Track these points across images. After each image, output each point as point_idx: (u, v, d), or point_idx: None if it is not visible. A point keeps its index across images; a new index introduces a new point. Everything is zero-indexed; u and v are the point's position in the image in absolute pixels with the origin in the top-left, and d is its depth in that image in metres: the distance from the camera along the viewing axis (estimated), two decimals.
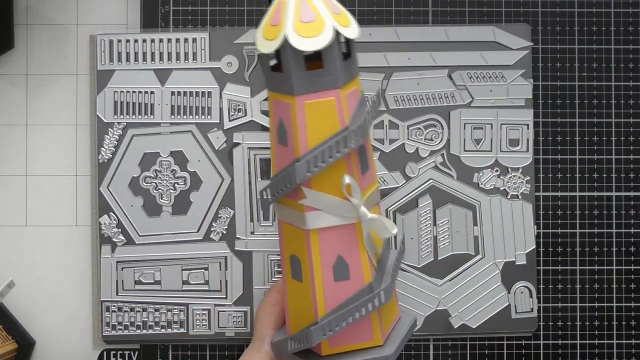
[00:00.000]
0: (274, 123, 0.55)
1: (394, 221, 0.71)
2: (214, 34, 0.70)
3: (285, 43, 0.51)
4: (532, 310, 0.71)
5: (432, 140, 0.71)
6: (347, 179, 0.53)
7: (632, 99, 0.72)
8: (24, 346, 0.70)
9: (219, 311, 0.70)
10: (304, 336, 0.55)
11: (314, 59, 0.52)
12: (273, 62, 0.54)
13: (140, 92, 0.70)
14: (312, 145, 0.53)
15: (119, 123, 0.70)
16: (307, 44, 0.51)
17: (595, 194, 0.72)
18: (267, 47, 0.52)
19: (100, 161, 0.70)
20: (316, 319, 0.55)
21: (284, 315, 0.60)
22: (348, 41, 0.54)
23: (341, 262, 0.55)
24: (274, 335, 0.60)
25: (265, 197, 0.56)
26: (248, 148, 0.70)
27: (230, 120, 0.70)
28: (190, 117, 0.70)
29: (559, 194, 0.72)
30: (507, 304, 0.71)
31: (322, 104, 0.52)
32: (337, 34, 0.52)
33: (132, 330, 0.70)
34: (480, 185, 0.71)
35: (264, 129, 0.70)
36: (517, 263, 0.71)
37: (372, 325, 0.56)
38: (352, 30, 0.53)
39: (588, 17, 0.72)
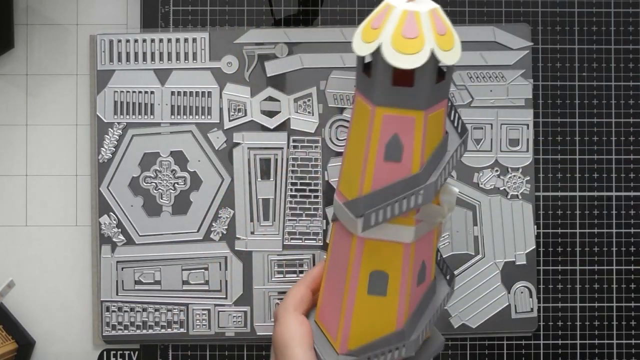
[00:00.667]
0: (380, 139, 0.52)
1: None
2: (214, 34, 0.70)
3: (378, 53, 0.49)
4: (532, 310, 0.71)
5: None
6: (455, 189, 0.53)
7: (632, 99, 0.72)
8: (24, 346, 0.70)
9: (219, 311, 0.70)
10: (396, 350, 0.56)
11: (407, 71, 0.50)
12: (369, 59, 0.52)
13: (140, 92, 0.70)
14: (426, 159, 0.51)
15: (119, 123, 0.70)
16: (401, 61, 0.48)
17: (595, 194, 0.72)
18: (361, 49, 0.50)
19: (100, 161, 0.70)
20: (400, 327, 0.55)
21: (307, 309, 0.61)
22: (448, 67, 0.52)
23: (423, 267, 0.56)
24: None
25: (371, 220, 0.52)
26: (248, 148, 0.70)
27: (230, 120, 0.70)
28: (190, 117, 0.70)
29: (559, 194, 0.72)
30: (507, 304, 0.71)
31: (437, 117, 0.51)
32: (434, 56, 0.49)
33: (132, 330, 0.70)
34: (480, 185, 0.71)
35: (264, 129, 0.70)
36: (517, 263, 0.71)
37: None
38: (452, 55, 0.51)
39: (588, 17, 0.72)
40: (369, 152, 0.51)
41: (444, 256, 0.71)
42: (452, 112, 0.56)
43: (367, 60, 0.52)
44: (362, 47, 0.50)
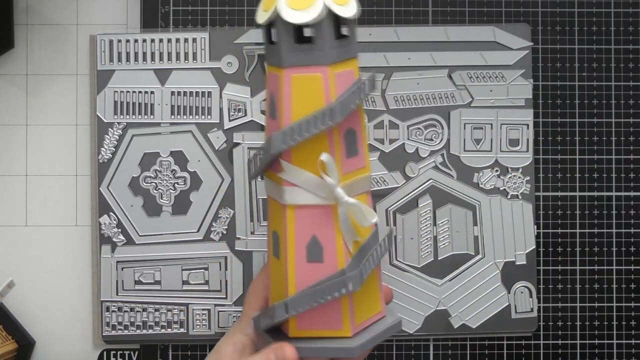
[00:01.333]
0: (267, 97, 0.56)
1: (394, 221, 0.71)
2: (214, 34, 0.70)
3: (277, 14, 0.52)
4: (532, 310, 0.71)
5: (432, 140, 0.71)
6: (324, 157, 0.53)
7: (632, 99, 0.72)
8: (24, 346, 0.70)
9: (219, 311, 0.70)
10: (269, 312, 0.55)
11: (302, 29, 0.54)
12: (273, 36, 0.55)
13: (140, 92, 0.70)
14: (296, 118, 0.53)
15: (119, 123, 0.70)
16: (296, 17, 0.52)
17: (595, 194, 0.72)
18: (262, 17, 0.54)
19: (100, 161, 0.70)
20: (286, 296, 0.55)
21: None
22: (347, 21, 0.55)
23: (315, 243, 0.54)
24: (257, 314, 0.60)
25: (251, 168, 0.57)
26: (248, 148, 0.70)
27: (230, 120, 0.70)
28: (190, 117, 0.70)
29: (559, 194, 0.72)
30: (507, 304, 0.71)
31: (308, 79, 0.53)
32: (330, 11, 0.52)
33: (132, 330, 0.70)
34: (480, 185, 0.71)
35: (264, 129, 0.70)
36: (517, 263, 0.71)
37: (342, 315, 0.56)
38: (348, 9, 0.54)
39: (588, 17, 0.72)
40: (280, 114, 0.54)
41: (444, 256, 0.71)
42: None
43: (273, 37, 0.55)
44: (262, 15, 0.54)
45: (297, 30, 0.54)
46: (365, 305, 0.57)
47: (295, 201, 0.54)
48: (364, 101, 0.59)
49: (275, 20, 0.53)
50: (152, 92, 0.70)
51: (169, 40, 0.70)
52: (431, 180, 0.71)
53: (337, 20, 0.54)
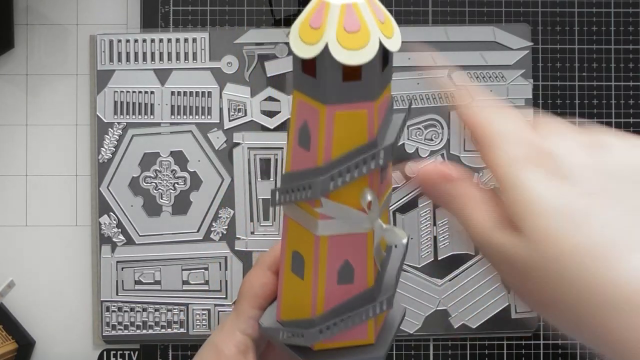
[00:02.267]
0: (296, 122, 0.52)
1: (394, 221, 0.71)
2: (214, 34, 0.70)
3: (326, 52, 0.47)
4: (532, 310, 0.71)
5: (432, 140, 0.71)
6: (369, 196, 0.50)
7: (632, 99, 0.72)
8: (24, 346, 0.70)
9: (219, 311, 0.70)
10: (299, 334, 0.55)
11: (351, 67, 0.49)
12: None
13: (140, 92, 0.70)
14: (336, 155, 0.50)
15: (119, 123, 0.70)
16: (350, 57, 0.47)
17: None
18: (305, 52, 0.48)
19: (100, 161, 0.70)
20: (313, 315, 0.54)
21: (271, 297, 0.59)
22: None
23: (347, 267, 0.54)
24: (262, 317, 0.59)
25: (276, 199, 0.53)
26: (248, 148, 0.70)
27: (230, 120, 0.70)
28: (190, 117, 0.70)
29: None
30: (507, 304, 0.71)
31: (354, 116, 0.49)
32: (381, 45, 0.48)
33: (132, 330, 0.70)
34: (481, 186, 0.71)
35: (264, 129, 0.70)
36: None
37: (368, 326, 0.56)
38: (395, 41, 0.49)
39: (588, 17, 0.72)
40: (318, 149, 0.51)
41: (444, 256, 0.71)
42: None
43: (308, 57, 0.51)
44: (305, 49, 0.48)
45: (345, 67, 0.49)
46: None
47: (330, 232, 0.52)
48: None
49: (321, 57, 0.48)
50: (152, 92, 0.70)
51: (169, 40, 0.70)
52: None
53: (385, 53, 0.51)
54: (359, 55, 0.47)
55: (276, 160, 0.70)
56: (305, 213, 0.53)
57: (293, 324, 0.55)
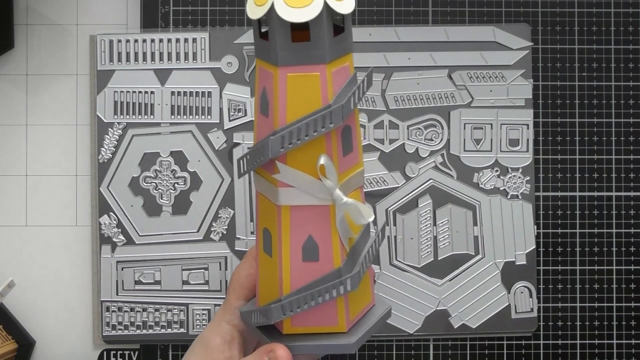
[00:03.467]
0: (258, 91, 0.54)
1: (394, 221, 0.71)
2: (214, 34, 0.70)
3: (272, 11, 0.49)
4: (532, 310, 0.71)
5: (432, 140, 0.71)
6: (323, 160, 0.51)
7: (632, 99, 0.72)
8: (24, 346, 0.70)
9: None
10: (265, 312, 0.55)
11: (304, 30, 0.51)
12: (265, 29, 0.53)
13: (140, 92, 0.70)
14: (291, 119, 0.51)
15: (119, 123, 0.70)
16: (294, 15, 0.49)
17: (595, 194, 0.72)
18: (255, 13, 0.51)
19: (100, 161, 0.70)
20: (280, 295, 0.54)
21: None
22: (344, 16, 0.53)
23: (311, 243, 0.54)
24: (244, 306, 0.59)
25: (241, 167, 0.55)
26: (248, 148, 0.70)
27: (230, 120, 0.70)
28: (190, 117, 0.70)
29: (559, 194, 0.72)
30: (507, 304, 0.71)
31: (305, 78, 0.51)
32: (328, 6, 0.50)
33: (132, 330, 0.70)
34: (480, 185, 0.71)
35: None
36: (517, 263, 0.71)
37: (338, 311, 0.55)
38: (345, 4, 0.51)
39: (588, 17, 0.72)
40: (274, 113, 0.52)
41: (444, 256, 0.71)
42: None
43: (264, 29, 0.52)
44: (254, 11, 0.51)
45: (293, 27, 0.51)
46: (358, 299, 0.57)
47: (291, 202, 0.53)
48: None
49: (270, 16, 0.50)
50: (152, 92, 0.70)
51: (169, 40, 0.70)
52: (431, 180, 0.71)
53: (334, 16, 0.52)
54: (303, 13, 0.49)
55: None
56: (267, 183, 0.54)
57: (265, 307, 0.55)
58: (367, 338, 0.57)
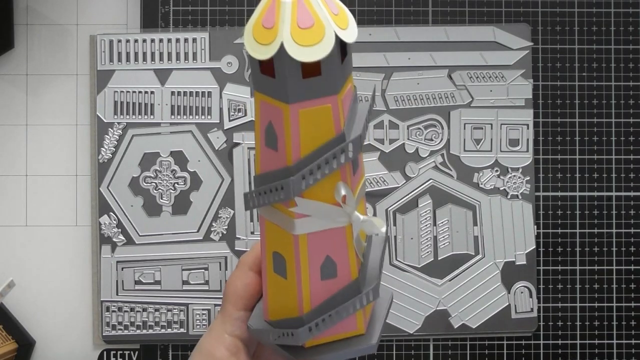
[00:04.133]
0: (260, 123, 0.51)
1: (394, 221, 0.71)
2: (214, 34, 0.70)
3: (282, 51, 0.46)
4: (532, 310, 0.71)
5: (432, 140, 0.71)
6: (343, 190, 0.50)
7: (632, 99, 0.72)
8: (24, 346, 0.70)
9: (218, 311, 0.70)
10: (289, 334, 0.54)
11: (309, 63, 0.48)
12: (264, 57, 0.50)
13: (140, 92, 0.70)
14: (305, 153, 0.49)
15: (119, 123, 0.70)
16: (307, 54, 0.46)
17: (595, 194, 0.72)
18: (261, 53, 0.47)
19: (100, 161, 0.70)
20: (300, 314, 0.54)
21: (255, 296, 0.59)
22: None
23: (329, 262, 0.53)
24: (250, 319, 0.59)
25: (249, 202, 0.52)
26: (248, 148, 0.70)
27: (230, 120, 0.70)
28: (190, 117, 0.70)
29: (559, 194, 0.72)
30: (507, 304, 0.71)
31: (317, 111, 0.49)
32: (337, 38, 0.47)
33: (132, 330, 0.70)
34: (480, 185, 0.71)
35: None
36: (517, 263, 0.71)
37: (357, 316, 0.55)
38: (350, 32, 0.49)
39: (588, 17, 0.72)
40: (286, 148, 0.51)
41: (444, 256, 0.71)
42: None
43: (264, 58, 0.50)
44: (260, 50, 0.47)
45: (304, 64, 0.48)
46: None
47: (308, 230, 0.51)
48: None
49: (278, 57, 0.47)
50: (152, 92, 0.70)
51: (169, 40, 0.70)
52: (431, 180, 0.71)
53: (342, 46, 0.50)
54: (317, 51, 0.46)
55: None
56: (280, 214, 0.52)
57: (281, 323, 0.55)
58: (383, 331, 0.57)
